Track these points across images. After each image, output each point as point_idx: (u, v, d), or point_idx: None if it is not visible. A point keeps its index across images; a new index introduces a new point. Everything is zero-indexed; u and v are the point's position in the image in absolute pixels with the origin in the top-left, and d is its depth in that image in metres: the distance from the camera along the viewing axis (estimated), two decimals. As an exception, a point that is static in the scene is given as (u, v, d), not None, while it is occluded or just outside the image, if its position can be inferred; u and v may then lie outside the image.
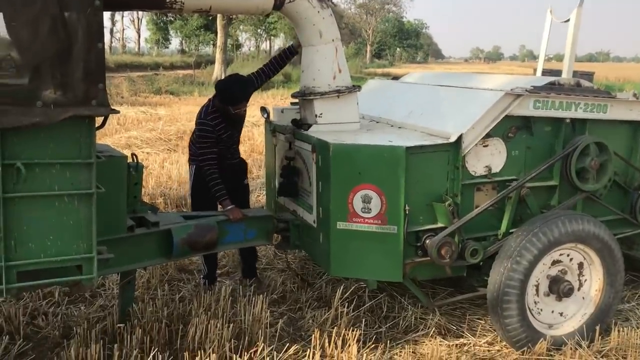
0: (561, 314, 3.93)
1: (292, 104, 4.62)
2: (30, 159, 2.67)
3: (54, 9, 2.63)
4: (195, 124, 4.38)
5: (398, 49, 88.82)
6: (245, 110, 4.43)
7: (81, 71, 2.71)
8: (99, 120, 2.86)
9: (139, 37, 56.73)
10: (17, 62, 3.01)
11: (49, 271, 2.86)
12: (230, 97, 4.25)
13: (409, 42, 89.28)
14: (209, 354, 3.42)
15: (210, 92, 22.73)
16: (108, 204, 3.20)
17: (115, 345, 3.44)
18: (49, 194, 2.73)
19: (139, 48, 56.35)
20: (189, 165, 4.66)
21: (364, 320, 4.09)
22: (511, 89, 3.78)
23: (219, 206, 4.36)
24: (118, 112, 3.04)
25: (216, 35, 31.42)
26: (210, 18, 37.57)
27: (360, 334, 3.75)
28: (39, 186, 2.70)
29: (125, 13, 48.45)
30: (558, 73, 7.26)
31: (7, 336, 3.66)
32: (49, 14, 2.64)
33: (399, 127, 4.25)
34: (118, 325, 3.78)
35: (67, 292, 4.41)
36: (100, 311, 4.21)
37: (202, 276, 4.80)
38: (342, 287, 4.33)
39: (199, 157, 4.32)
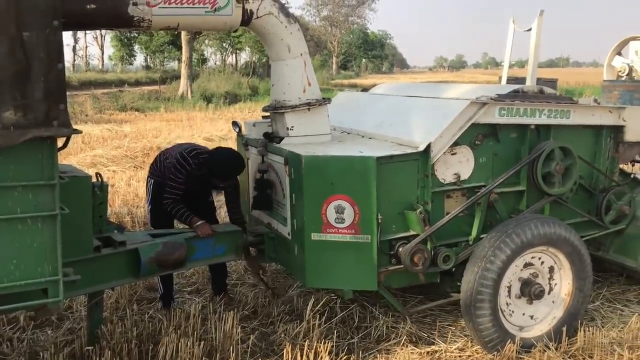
0: (532, 317, 3.98)
1: (263, 117, 4.60)
2: (-9, 181, 2.59)
3: (12, 30, 2.57)
4: (180, 154, 4.22)
5: (364, 59, 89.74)
6: (229, 185, 4.40)
7: (41, 92, 2.65)
8: (61, 140, 2.80)
9: (103, 54, 56.04)
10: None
11: (12, 296, 2.77)
12: (221, 173, 4.20)
13: (374, 53, 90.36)
14: (181, 373, 3.35)
15: (177, 108, 22.53)
16: (73, 224, 3.14)
17: (84, 369, 3.35)
18: (11, 217, 2.65)
19: (102, 65, 55.62)
20: (147, 179, 4.56)
21: (335, 331, 4.08)
22: (476, 98, 3.85)
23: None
24: (80, 132, 2.97)
25: (181, 50, 31.24)
26: (175, 34, 37.39)
27: (332, 346, 3.74)
28: (1, 209, 2.62)
29: (89, 30, 47.82)
30: (522, 81, 7.43)
31: (-30, 365, 3.53)
32: (7, 34, 2.58)
33: (370, 138, 4.27)
34: (87, 347, 3.70)
35: (33, 316, 4.27)
36: (68, 334, 4.10)
37: (158, 298, 4.70)
38: (313, 300, 4.31)
39: (166, 186, 4.20)
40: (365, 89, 5.78)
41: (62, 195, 2.78)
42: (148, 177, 4.56)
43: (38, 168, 2.69)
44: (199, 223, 4.10)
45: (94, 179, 3.60)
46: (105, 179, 3.71)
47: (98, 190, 3.58)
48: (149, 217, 4.66)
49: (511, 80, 7.36)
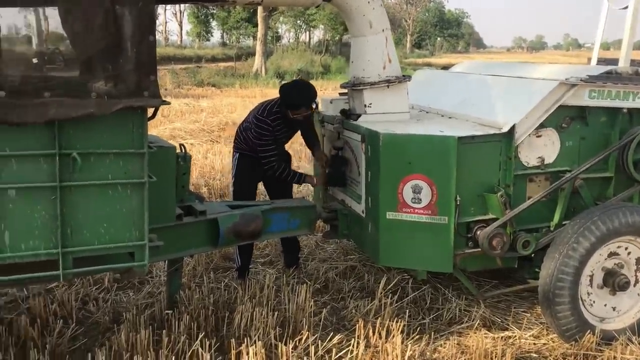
0: (614, 309, 3.82)
1: (340, 94, 4.60)
2: (85, 149, 2.72)
3: (106, 3, 2.66)
4: (255, 118, 4.38)
5: (439, 38, 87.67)
6: (305, 117, 4.35)
7: (133, 63, 2.74)
8: (149, 111, 2.90)
9: (181, 30, 57.52)
10: (70, 55, 3.08)
11: (102, 258, 2.92)
12: (289, 101, 4.26)
13: (450, 32, 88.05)
14: (255, 341, 3.43)
15: (251, 84, 22.95)
16: (158, 193, 3.24)
17: (164, 331, 3.50)
18: (103, 182, 2.78)
19: (181, 41, 57.08)
20: (233, 154, 4.69)
21: (407, 311, 4.06)
22: (566, 78, 3.68)
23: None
24: (169, 103, 3.07)
25: (257, 27, 31.57)
26: (251, 10, 37.75)
27: (404, 325, 3.72)
28: (94, 175, 2.76)
29: (168, 6, 49.11)
30: (614, 62, 7.04)
31: (61, 320, 3.76)
32: (102, 7, 2.68)
33: (450, 117, 4.19)
34: (166, 311, 3.85)
35: (117, 278, 4.51)
36: (148, 298, 4.29)
37: (234, 269, 4.82)
38: (385, 278, 4.30)
39: (259, 153, 4.34)
40: (445, 68, 5.64)
41: (149, 164, 2.87)
42: (233, 151, 4.69)
43: (129, 137, 2.79)
44: (316, 178, 4.40)
45: (177, 150, 3.71)
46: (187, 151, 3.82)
47: (181, 161, 3.68)
48: (232, 190, 4.78)
49: (601, 61, 7.00)
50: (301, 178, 4.40)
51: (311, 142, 4.65)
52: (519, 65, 4.82)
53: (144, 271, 3.05)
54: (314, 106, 4.32)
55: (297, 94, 4.30)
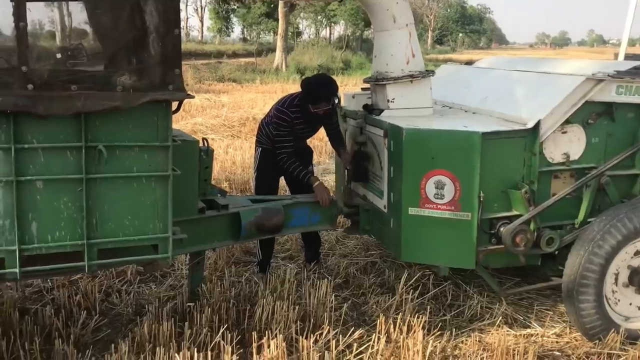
0: (639, 308, 3.76)
1: (362, 89, 4.58)
2: (110, 141, 2.76)
3: (133, -2, 2.68)
4: (276, 109, 4.39)
5: (460, 34, 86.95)
6: (326, 112, 4.29)
7: (159, 57, 2.78)
8: (174, 105, 2.92)
9: (202, 25, 57.78)
10: (95, 49, 3.11)
11: (126, 249, 2.95)
12: (310, 95, 4.25)
13: (472, 28, 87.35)
14: (276, 334, 3.44)
15: (272, 80, 22.98)
16: (181, 186, 3.27)
17: (186, 324, 3.52)
18: (128, 175, 2.81)
19: (202, 36, 57.38)
20: (255, 148, 4.70)
21: (428, 307, 4.04)
22: (592, 74, 3.62)
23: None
24: (193, 96, 3.08)
25: (277, 23, 31.59)
26: (272, 6, 37.82)
27: (425, 321, 3.70)
28: (119, 167, 2.79)
29: (190, 1, 49.38)
30: (642, 58, 6.92)
31: (85, 311, 3.81)
32: (129, 1, 2.71)
33: (474, 113, 4.15)
34: (188, 304, 3.86)
35: (139, 271, 4.55)
36: (170, 290, 4.32)
37: (255, 263, 4.83)
38: (406, 274, 4.29)
39: (275, 144, 4.35)
40: (469, 63, 5.59)
41: (173, 157, 2.90)
42: (255, 145, 4.70)
43: (153, 130, 2.82)
44: (317, 183, 4.21)
45: (200, 144, 3.73)
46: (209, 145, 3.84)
47: (204, 155, 3.70)
48: (253, 185, 4.80)
49: (629, 57, 6.88)
50: (305, 177, 4.27)
51: (336, 142, 4.61)
52: (543, 61, 4.76)
53: (168, 263, 3.08)
54: (336, 101, 4.30)
55: (319, 88, 4.28)
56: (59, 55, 3.62)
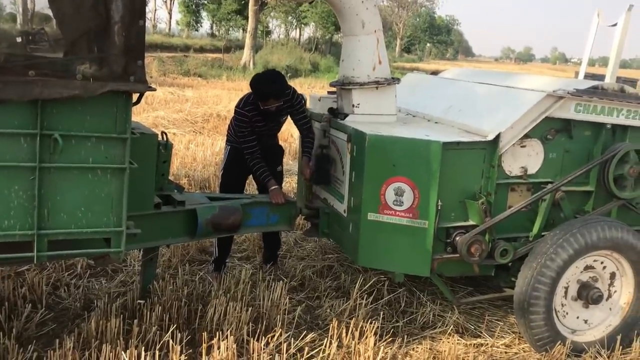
0: (586, 321, 3.87)
1: (329, 92, 4.58)
2: (67, 130, 2.68)
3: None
4: (235, 111, 4.36)
5: (428, 44, 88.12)
6: (277, 107, 4.21)
7: (121, 47, 2.71)
8: (134, 96, 2.86)
9: (170, 18, 56.94)
10: (56, 35, 3.02)
11: (77, 242, 2.87)
12: (256, 92, 4.19)
13: (440, 38, 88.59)
14: (227, 335, 3.40)
15: (238, 77, 22.77)
16: (138, 179, 3.19)
17: (135, 321, 3.45)
18: (83, 165, 2.73)
19: (169, 29, 56.56)
20: (225, 146, 4.68)
21: (381, 313, 4.06)
22: (553, 91, 3.71)
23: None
24: (154, 89, 3.02)
25: (247, 20, 31.41)
26: (242, 3, 37.56)
27: (377, 327, 3.72)
28: (74, 158, 2.71)
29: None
30: (601, 78, 7.12)
31: (30, 304, 3.69)
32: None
33: (436, 122, 4.19)
34: (138, 301, 3.79)
35: (90, 265, 4.44)
36: (121, 286, 4.23)
37: (211, 261, 4.77)
38: (361, 279, 4.29)
39: (240, 144, 4.32)
40: (435, 73, 5.65)
41: (131, 150, 2.83)
42: (226, 143, 4.67)
43: (112, 121, 2.75)
44: (274, 187, 4.17)
45: (159, 138, 3.66)
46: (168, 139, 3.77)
47: (162, 149, 3.63)
48: (219, 182, 4.75)
49: (589, 76, 7.08)
50: (264, 180, 4.24)
51: (303, 144, 4.50)
52: (507, 75, 4.85)
53: (120, 258, 3.01)
54: (287, 97, 4.22)
55: (262, 84, 4.17)
56: (19, 39, 3.50)
